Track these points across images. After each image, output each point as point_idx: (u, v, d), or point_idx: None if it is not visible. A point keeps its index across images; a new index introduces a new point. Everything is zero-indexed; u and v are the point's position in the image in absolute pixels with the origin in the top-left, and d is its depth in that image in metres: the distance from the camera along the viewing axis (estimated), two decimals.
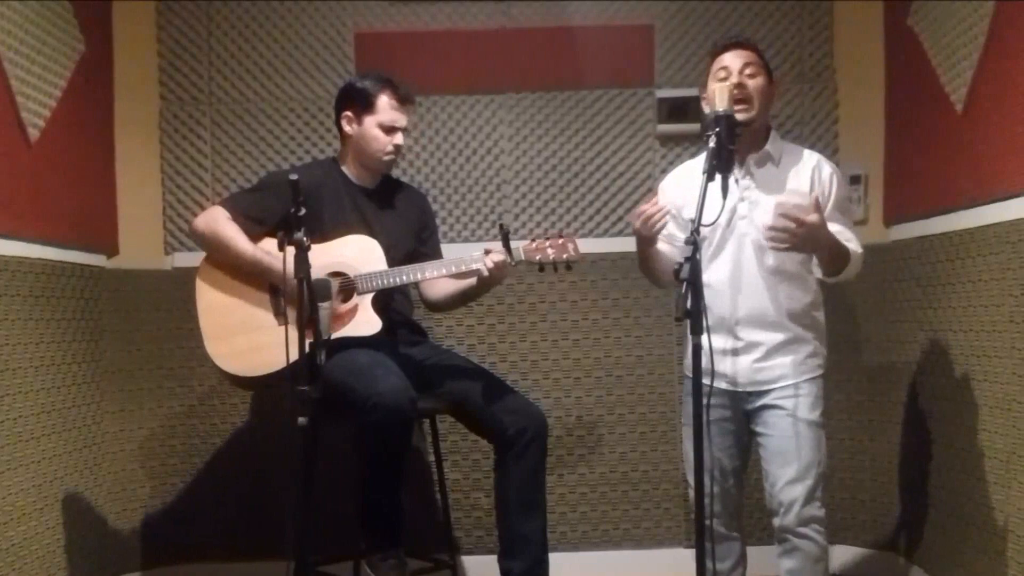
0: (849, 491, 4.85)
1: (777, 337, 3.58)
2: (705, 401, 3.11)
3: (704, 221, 3.09)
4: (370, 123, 4.03)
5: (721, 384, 3.51)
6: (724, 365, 3.54)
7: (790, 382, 3.57)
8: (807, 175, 3.62)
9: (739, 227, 3.59)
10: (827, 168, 3.67)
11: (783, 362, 3.59)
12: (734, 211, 3.56)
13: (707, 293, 3.10)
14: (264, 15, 4.92)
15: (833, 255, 3.47)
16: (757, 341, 3.59)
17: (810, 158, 3.68)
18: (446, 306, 4.25)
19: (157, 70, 4.92)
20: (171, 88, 4.93)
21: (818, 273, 3.64)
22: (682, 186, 3.75)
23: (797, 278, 3.61)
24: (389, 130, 4.03)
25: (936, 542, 4.21)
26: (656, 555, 4.89)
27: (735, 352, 3.60)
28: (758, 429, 3.63)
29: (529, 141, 4.95)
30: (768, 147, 3.64)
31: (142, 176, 4.89)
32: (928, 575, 4.30)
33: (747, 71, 3.57)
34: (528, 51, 4.94)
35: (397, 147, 4.08)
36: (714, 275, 3.57)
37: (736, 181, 3.50)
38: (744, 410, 3.66)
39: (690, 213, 3.24)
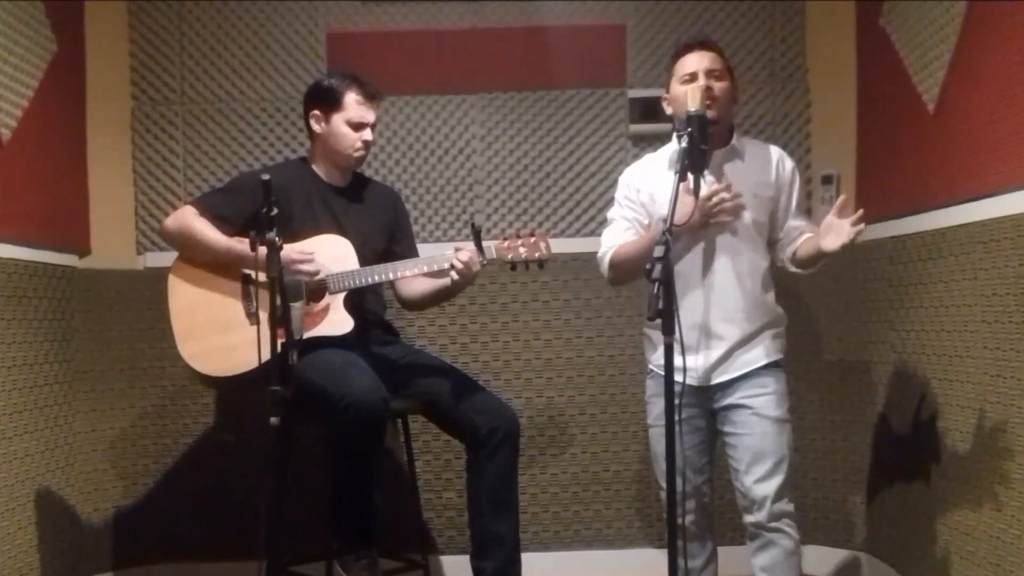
0: (821, 491, 4.86)
1: (746, 329, 3.63)
2: (677, 401, 3.11)
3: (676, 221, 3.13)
4: (338, 121, 4.03)
5: (692, 380, 3.52)
6: (694, 360, 3.56)
7: (756, 377, 3.61)
8: (771, 169, 3.73)
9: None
10: (788, 163, 3.78)
11: (752, 353, 3.64)
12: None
13: (676, 287, 3.11)
14: (236, 15, 4.92)
15: None
16: (727, 334, 3.62)
17: (773, 152, 3.79)
18: (421, 305, 4.24)
19: (129, 70, 4.91)
20: (143, 88, 4.91)
21: (793, 267, 3.75)
22: (649, 173, 3.79)
23: (760, 271, 3.68)
24: (358, 127, 4.03)
25: (908, 542, 4.23)
26: (628, 555, 4.90)
27: (707, 346, 3.62)
28: (726, 428, 3.66)
29: (501, 141, 4.96)
30: (734, 143, 3.71)
31: (114, 176, 4.88)
32: (900, 575, 4.32)
33: (713, 74, 3.61)
34: (500, 51, 4.94)
35: (366, 143, 4.08)
36: (683, 269, 3.58)
37: (703, 178, 3.52)
38: (710, 409, 3.69)
39: (656, 205, 3.52)
